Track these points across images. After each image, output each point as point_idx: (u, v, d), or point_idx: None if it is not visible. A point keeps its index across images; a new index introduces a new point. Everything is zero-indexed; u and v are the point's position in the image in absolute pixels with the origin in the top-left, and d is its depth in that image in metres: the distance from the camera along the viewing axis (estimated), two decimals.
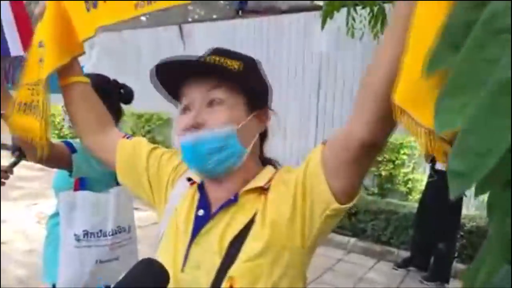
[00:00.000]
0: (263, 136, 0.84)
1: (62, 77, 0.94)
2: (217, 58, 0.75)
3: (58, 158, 1.38)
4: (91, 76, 1.56)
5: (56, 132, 7.04)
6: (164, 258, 0.74)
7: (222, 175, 0.77)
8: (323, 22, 2.42)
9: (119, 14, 0.81)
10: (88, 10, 0.86)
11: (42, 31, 0.93)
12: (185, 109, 0.78)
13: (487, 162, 0.17)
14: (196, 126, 0.74)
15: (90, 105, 0.96)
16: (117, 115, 1.56)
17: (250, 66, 0.78)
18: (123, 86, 1.58)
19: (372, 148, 0.64)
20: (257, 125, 0.80)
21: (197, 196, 0.81)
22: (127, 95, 1.58)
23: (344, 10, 2.60)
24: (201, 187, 0.81)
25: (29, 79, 0.97)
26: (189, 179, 0.83)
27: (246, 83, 0.77)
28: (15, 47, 1.28)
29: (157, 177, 0.88)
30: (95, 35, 0.88)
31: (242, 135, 0.76)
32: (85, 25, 0.89)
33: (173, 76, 0.78)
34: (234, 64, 0.76)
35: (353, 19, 2.80)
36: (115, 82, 1.57)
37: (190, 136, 0.75)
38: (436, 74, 0.22)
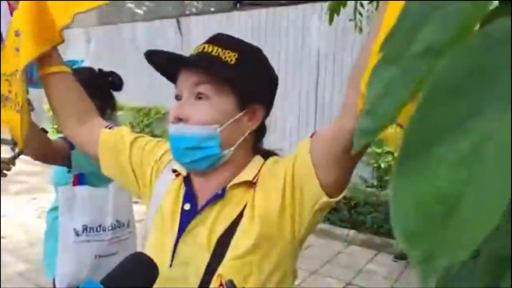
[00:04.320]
0: (260, 129, 0.80)
1: (42, 67, 0.91)
2: (211, 48, 0.73)
3: (56, 154, 1.38)
4: (78, 70, 1.55)
5: (56, 127, 7.02)
6: (151, 253, 0.73)
7: (204, 170, 0.75)
8: (331, 19, 2.42)
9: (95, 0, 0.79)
10: None
11: (19, 19, 0.89)
12: (177, 98, 0.76)
13: (388, 120, 0.20)
14: (180, 119, 0.72)
15: (72, 95, 0.93)
16: (111, 103, 1.55)
17: (247, 58, 0.75)
18: (111, 73, 1.56)
19: None
20: (247, 124, 0.76)
21: (182, 189, 0.79)
22: (117, 82, 1.56)
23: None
24: (187, 180, 0.79)
25: (5, 69, 0.94)
26: (174, 171, 0.81)
27: (238, 78, 0.73)
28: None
29: (141, 166, 0.86)
30: (72, 22, 0.85)
31: (227, 135, 0.73)
32: (62, 12, 0.87)
33: (167, 63, 0.77)
34: (228, 56, 0.72)
35: (360, 14, 2.78)
36: (102, 71, 1.55)
37: (174, 128, 0.74)
38: None
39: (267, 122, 0.81)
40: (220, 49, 0.73)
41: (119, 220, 1.46)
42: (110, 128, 0.91)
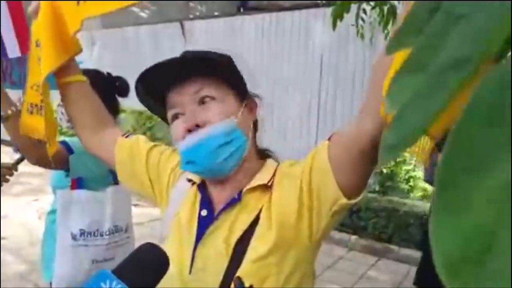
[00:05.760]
0: (254, 127, 0.83)
1: (60, 76, 0.92)
2: (201, 59, 0.75)
3: (54, 159, 1.37)
4: (85, 71, 1.55)
5: (59, 128, 7.04)
6: (170, 260, 0.74)
7: (228, 172, 0.76)
8: (334, 24, 2.44)
9: (106, 5, 0.79)
10: (78, 4, 0.84)
11: (38, 30, 0.91)
12: (177, 116, 0.77)
13: (416, 135, 0.19)
14: (197, 126, 0.73)
15: (88, 104, 0.94)
16: (114, 109, 1.55)
17: (231, 62, 0.78)
18: (118, 78, 1.56)
19: None
20: (249, 115, 0.80)
21: (198, 196, 0.80)
22: (123, 88, 1.55)
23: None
24: (201, 187, 0.80)
25: (34, 80, 0.96)
26: (190, 180, 0.82)
27: (231, 75, 0.76)
28: (12, 48, 1.26)
29: (157, 175, 0.87)
30: (81, 28, 0.85)
31: (241, 126, 0.76)
32: (74, 19, 0.87)
33: (158, 85, 0.77)
34: (220, 61, 0.75)
35: (362, 20, 2.79)
36: (110, 75, 1.55)
37: (193, 137, 0.73)
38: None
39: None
40: (210, 56, 0.76)
41: (117, 225, 1.45)
42: (127, 136, 0.93)
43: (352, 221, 3.96)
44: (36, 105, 0.97)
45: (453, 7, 0.19)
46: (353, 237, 3.88)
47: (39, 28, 0.90)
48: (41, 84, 0.90)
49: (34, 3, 0.91)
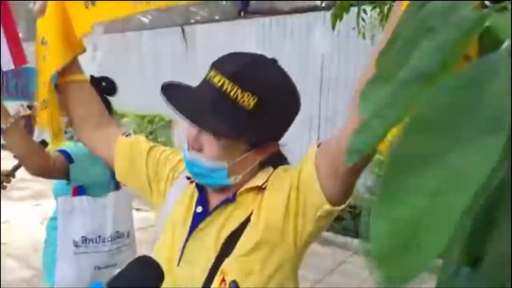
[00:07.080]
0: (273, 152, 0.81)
1: (62, 75, 0.93)
2: (230, 87, 0.70)
3: (54, 169, 1.37)
4: None
5: None
6: (161, 252, 0.77)
7: (218, 188, 0.80)
8: (334, 24, 2.46)
9: (117, 12, 0.81)
10: (86, 7, 0.86)
11: (44, 28, 0.92)
12: None
13: (378, 141, 0.20)
14: (194, 148, 0.76)
15: (89, 103, 0.96)
16: (107, 108, 1.55)
17: (267, 101, 0.73)
18: (104, 78, 1.55)
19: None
20: (256, 157, 0.77)
21: (196, 194, 0.82)
22: (109, 87, 1.55)
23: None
24: (199, 186, 0.82)
25: (41, 77, 0.98)
26: (188, 178, 0.84)
27: (252, 126, 0.72)
28: (6, 61, 1.25)
29: (156, 174, 0.89)
30: (92, 31, 0.88)
31: (235, 168, 0.76)
32: (82, 22, 0.89)
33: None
34: (246, 100, 0.70)
35: (363, 20, 2.80)
36: (94, 77, 1.54)
37: (189, 154, 0.77)
38: None
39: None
40: (239, 90, 0.70)
41: (118, 230, 1.46)
42: (127, 135, 0.94)
43: (355, 224, 3.95)
44: (45, 101, 0.99)
45: (425, 19, 0.20)
46: (356, 240, 3.87)
47: (45, 26, 0.92)
48: (48, 83, 0.92)
49: (40, 2, 0.93)
